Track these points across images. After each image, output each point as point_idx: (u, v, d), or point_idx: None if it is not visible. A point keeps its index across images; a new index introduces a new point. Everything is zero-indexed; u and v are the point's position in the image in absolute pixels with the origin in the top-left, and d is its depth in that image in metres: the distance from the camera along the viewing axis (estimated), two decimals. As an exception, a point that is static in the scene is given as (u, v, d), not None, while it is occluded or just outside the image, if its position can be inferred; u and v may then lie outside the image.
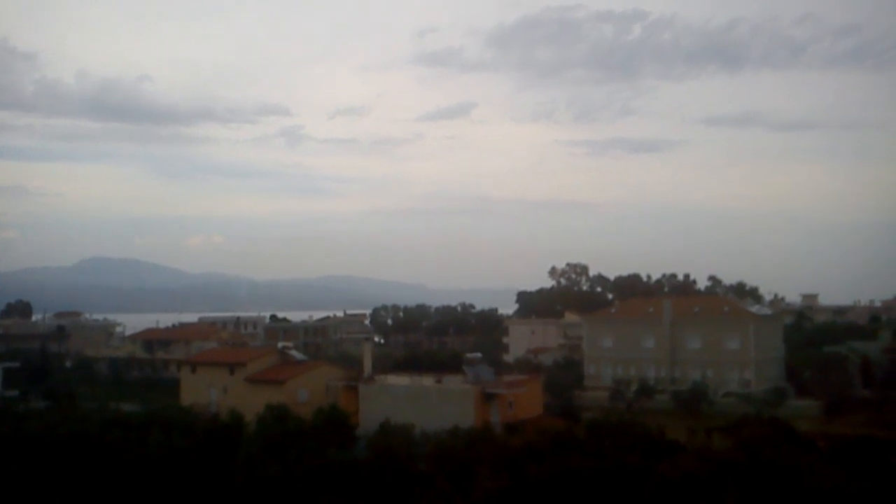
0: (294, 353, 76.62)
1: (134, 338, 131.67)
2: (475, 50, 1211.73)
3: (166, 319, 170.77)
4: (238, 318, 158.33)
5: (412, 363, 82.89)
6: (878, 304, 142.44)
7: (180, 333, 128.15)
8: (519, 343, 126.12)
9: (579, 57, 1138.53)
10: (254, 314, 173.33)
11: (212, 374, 73.49)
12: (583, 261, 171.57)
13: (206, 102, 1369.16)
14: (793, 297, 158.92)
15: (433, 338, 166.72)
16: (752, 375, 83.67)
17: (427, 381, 59.83)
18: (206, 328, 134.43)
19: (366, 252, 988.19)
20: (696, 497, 33.98)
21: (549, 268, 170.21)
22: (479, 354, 67.38)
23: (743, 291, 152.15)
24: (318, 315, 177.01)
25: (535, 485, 37.87)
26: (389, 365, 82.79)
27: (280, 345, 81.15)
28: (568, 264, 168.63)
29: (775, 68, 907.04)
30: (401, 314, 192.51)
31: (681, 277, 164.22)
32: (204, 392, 71.67)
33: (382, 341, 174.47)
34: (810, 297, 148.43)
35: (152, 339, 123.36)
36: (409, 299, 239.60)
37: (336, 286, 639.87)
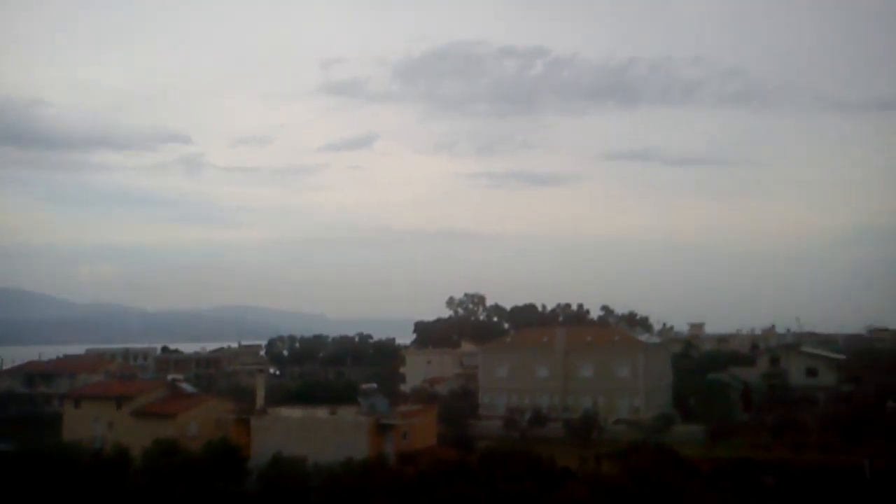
0: (185, 385, 74.65)
1: (12, 371, 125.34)
2: (381, 81, 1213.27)
3: (51, 352, 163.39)
4: (127, 349, 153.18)
5: (307, 394, 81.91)
6: (758, 332, 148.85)
7: (65, 366, 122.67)
8: (416, 373, 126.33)
9: (482, 91, 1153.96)
10: (144, 346, 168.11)
11: (97, 407, 70.74)
12: (481, 291, 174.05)
13: (103, 128, 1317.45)
14: (681, 325, 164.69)
15: (330, 368, 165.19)
16: (642, 402, 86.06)
17: (321, 412, 59.26)
18: (93, 360, 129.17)
19: (266, 282, 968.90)
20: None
21: (447, 298, 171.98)
22: (373, 385, 67.10)
23: (634, 320, 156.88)
24: (211, 346, 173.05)
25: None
26: (283, 396, 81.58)
27: (170, 377, 78.85)
28: (465, 294, 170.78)
29: (670, 106, 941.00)
30: (297, 345, 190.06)
31: (575, 307, 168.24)
32: (88, 427, 68.89)
33: (278, 372, 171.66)
34: (697, 326, 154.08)
35: (33, 373, 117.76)
36: (309, 329, 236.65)
37: (233, 317, 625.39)
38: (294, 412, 60.73)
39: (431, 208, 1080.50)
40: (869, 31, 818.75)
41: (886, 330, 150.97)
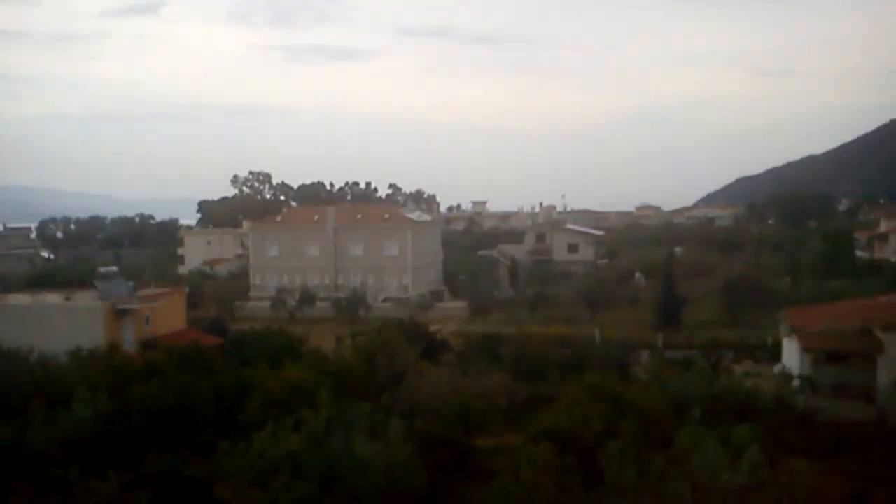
0: None
1: None
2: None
3: None
4: None
5: (46, 280, 76.51)
6: (537, 210, 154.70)
7: None
8: (195, 254, 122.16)
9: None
10: None
11: None
12: (273, 169, 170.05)
13: None
14: (468, 204, 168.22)
15: (108, 251, 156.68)
16: (410, 280, 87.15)
17: (53, 298, 55.24)
18: None
19: (44, 160, 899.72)
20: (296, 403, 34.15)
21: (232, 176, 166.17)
22: (113, 268, 63.30)
23: (420, 198, 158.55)
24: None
25: (136, 406, 36.23)
26: (18, 283, 75.77)
27: None
28: (251, 172, 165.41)
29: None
30: (72, 227, 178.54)
31: (363, 186, 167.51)
32: None
33: (52, 257, 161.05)
34: (479, 204, 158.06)
35: None
36: (93, 210, 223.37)
37: (7, 197, 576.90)
38: (22, 299, 56.24)
39: (224, 82, 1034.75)
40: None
41: (651, 207, 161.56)
